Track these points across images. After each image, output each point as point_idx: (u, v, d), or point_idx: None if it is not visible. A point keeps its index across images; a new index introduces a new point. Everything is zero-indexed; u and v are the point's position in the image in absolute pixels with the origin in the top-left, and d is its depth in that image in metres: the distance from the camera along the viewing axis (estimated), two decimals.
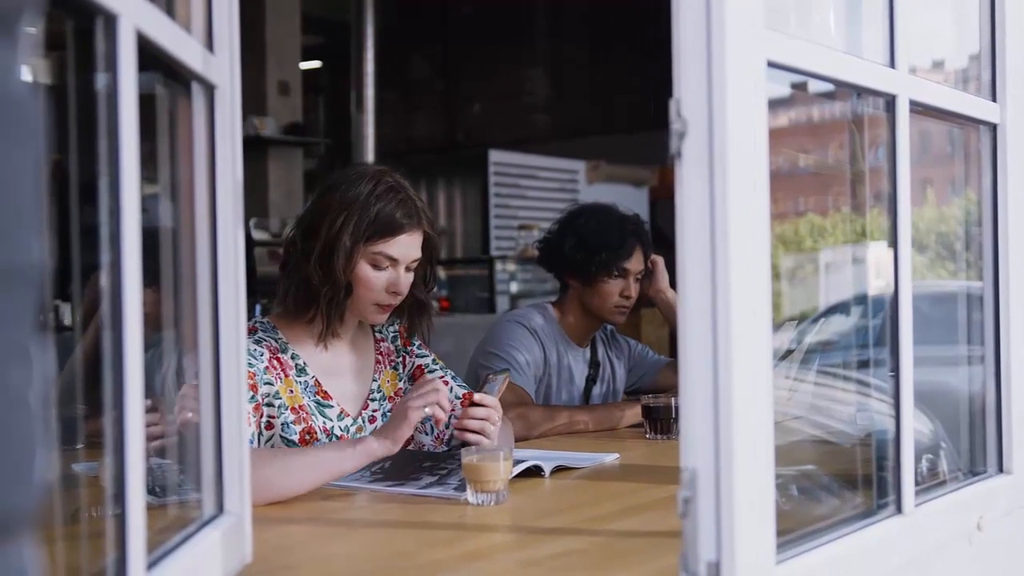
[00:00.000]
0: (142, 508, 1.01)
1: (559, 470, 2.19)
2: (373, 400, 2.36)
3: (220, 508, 1.36)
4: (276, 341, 2.24)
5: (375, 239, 2.19)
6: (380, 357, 2.40)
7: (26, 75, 0.61)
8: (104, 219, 1.00)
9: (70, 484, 1.32)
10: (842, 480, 1.72)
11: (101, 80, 1.01)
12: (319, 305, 2.21)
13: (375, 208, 2.18)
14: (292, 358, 2.24)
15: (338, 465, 1.98)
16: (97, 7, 0.96)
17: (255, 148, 7.40)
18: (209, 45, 1.35)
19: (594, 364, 3.14)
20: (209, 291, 1.35)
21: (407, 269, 2.25)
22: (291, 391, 2.20)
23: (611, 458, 2.36)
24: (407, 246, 2.23)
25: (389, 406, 2.36)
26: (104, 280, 1.00)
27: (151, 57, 1.11)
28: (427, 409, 1.99)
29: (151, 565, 1.08)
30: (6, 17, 0.58)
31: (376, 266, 2.21)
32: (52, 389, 0.62)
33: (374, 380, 2.37)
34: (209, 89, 1.35)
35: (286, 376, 2.20)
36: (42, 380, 0.59)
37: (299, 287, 2.22)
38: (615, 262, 2.98)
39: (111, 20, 0.99)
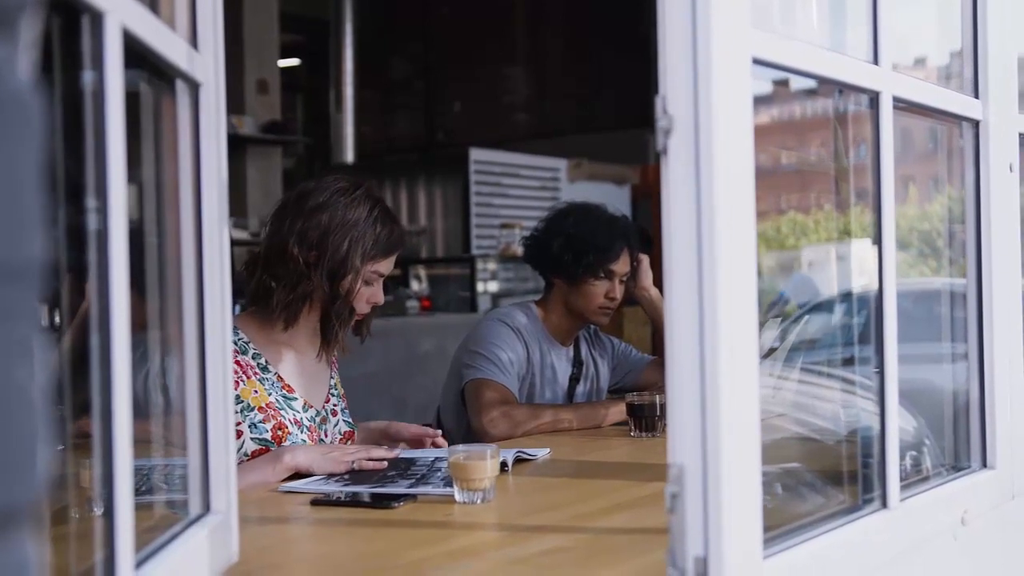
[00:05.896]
0: (130, 508, 1.01)
1: (519, 462, 2.24)
2: (333, 395, 2.44)
3: (207, 507, 1.36)
4: (235, 343, 2.25)
5: (376, 259, 2.29)
6: (333, 358, 2.48)
7: (26, 73, 0.61)
8: (90, 218, 0.99)
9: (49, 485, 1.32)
10: (827, 476, 1.72)
11: (87, 77, 1.00)
12: (328, 319, 2.29)
13: (378, 231, 2.28)
14: (253, 358, 2.27)
15: (262, 480, 2.08)
16: (83, 5, 0.96)
17: (233, 147, 7.37)
18: (193, 42, 1.34)
19: (577, 363, 3.14)
20: (195, 291, 1.35)
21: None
22: (255, 391, 2.23)
23: (543, 453, 2.38)
24: (393, 262, 2.36)
25: (344, 404, 2.47)
26: (90, 280, 1.00)
27: (135, 54, 1.10)
28: (355, 464, 2.13)
29: (138, 564, 1.07)
30: (6, 15, 0.58)
31: (368, 283, 2.30)
32: (53, 384, 0.62)
33: (332, 377, 2.46)
34: (194, 87, 1.34)
35: (248, 377, 2.22)
36: (44, 375, 0.59)
37: (302, 300, 2.27)
38: (602, 264, 2.97)
39: (97, 17, 0.98)
